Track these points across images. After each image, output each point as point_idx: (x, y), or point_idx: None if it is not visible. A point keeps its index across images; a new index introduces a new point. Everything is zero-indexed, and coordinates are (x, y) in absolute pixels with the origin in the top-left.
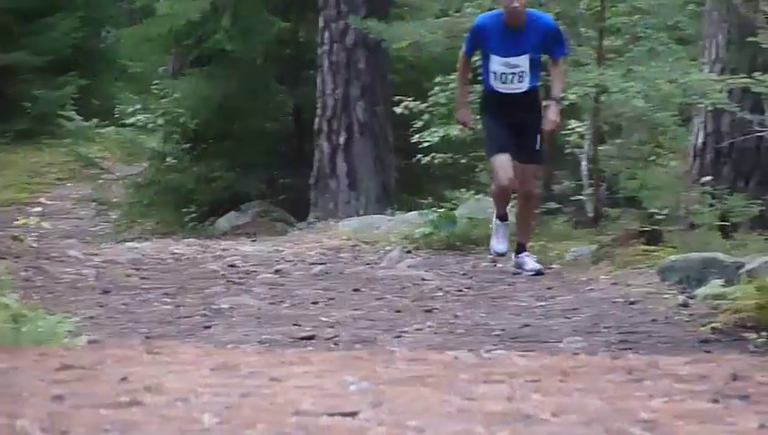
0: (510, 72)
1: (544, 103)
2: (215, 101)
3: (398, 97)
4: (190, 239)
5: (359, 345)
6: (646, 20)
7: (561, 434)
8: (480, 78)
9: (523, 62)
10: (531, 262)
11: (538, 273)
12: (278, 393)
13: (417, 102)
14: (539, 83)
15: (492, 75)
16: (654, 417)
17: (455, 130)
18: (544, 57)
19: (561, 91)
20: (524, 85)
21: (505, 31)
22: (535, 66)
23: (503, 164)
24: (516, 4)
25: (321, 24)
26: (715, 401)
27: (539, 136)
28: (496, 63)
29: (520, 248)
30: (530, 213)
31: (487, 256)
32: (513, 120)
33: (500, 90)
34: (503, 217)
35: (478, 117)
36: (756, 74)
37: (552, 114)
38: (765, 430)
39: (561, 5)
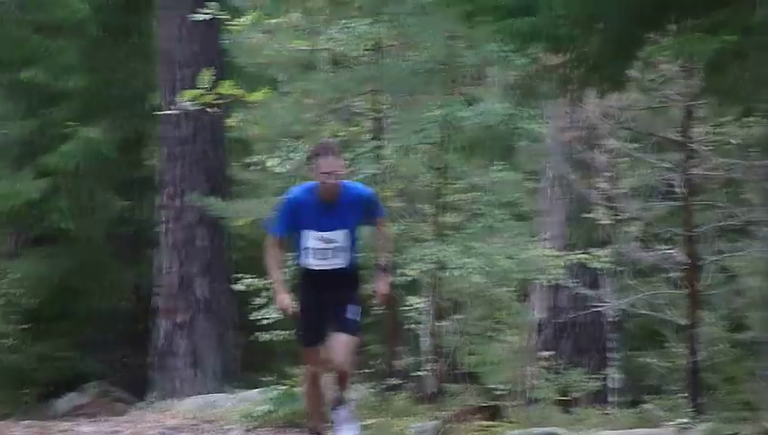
0: (326, 248)
1: (374, 274)
2: (54, 280)
3: (238, 274)
4: (28, 421)
5: None
6: (484, 196)
7: None
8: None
9: (339, 236)
10: (345, 431)
11: None
12: None
13: (258, 280)
14: (357, 256)
15: (307, 252)
16: None
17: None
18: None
19: (387, 257)
20: (341, 261)
21: (320, 204)
22: (353, 240)
23: (314, 354)
24: (332, 180)
25: (161, 201)
26: None
27: (356, 309)
28: (311, 239)
29: (338, 401)
30: (344, 384)
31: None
32: (329, 297)
33: (316, 267)
34: (314, 432)
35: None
36: (593, 250)
37: (381, 287)
38: None
39: (401, 182)
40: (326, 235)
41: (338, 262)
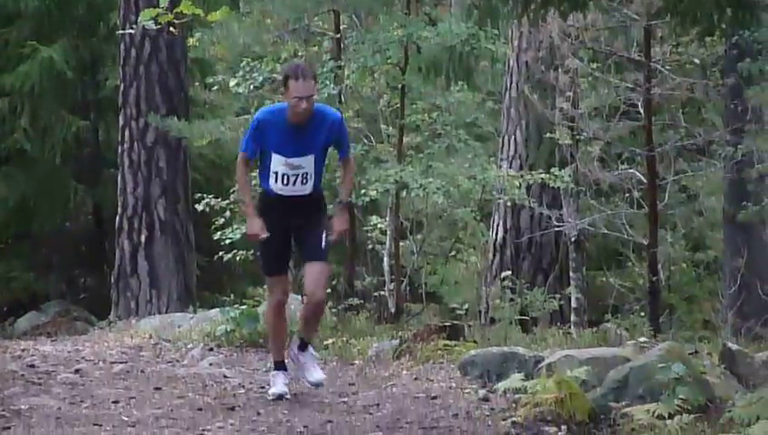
0: (293, 174)
1: (331, 207)
2: (12, 201)
3: (199, 195)
4: None
5: None
6: (444, 117)
7: None
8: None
9: (307, 162)
10: (315, 371)
11: (319, 385)
12: None
13: (218, 200)
14: (321, 182)
15: (272, 176)
16: None
17: None
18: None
19: (349, 193)
20: (308, 187)
21: (289, 128)
22: (320, 166)
23: (278, 281)
24: (305, 105)
25: (120, 122)
26: None
27: (324, 235)
28: (278, 164)
29: (304, 345)
30: (317, 318)
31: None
32: (295, 223)
33: (281, 192)
34: (280, 365)
35: None
36: (554, 170)
37: (339, 223)
38: None
39: (362, 103)
40: (293, 160)
41: (304, 188)
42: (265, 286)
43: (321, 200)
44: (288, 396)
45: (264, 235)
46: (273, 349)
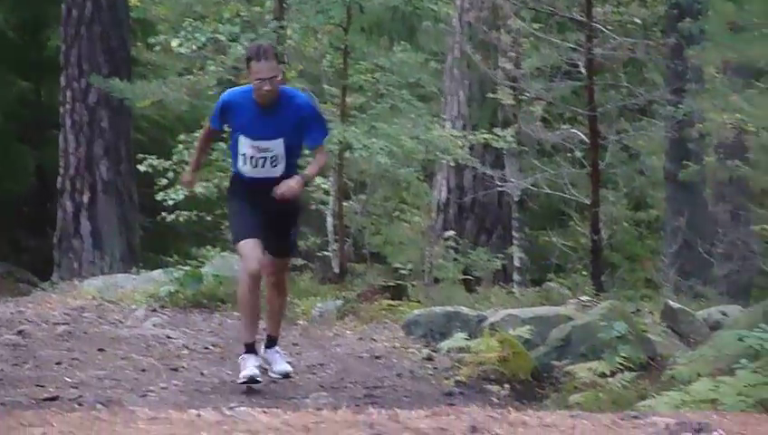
0: (260, 157)
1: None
2: None
3: (141, 155)
4: None
5: (100, 406)
6: (388, 77)
7: None
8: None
9: (275, 146)
10: (281, 362)
11: (286, 375)
12: None
13: (162, 160)
14: (295, 169)
15: (241, 158)
16: None
17: (199, 188)
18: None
19: (315, 174)
20: (278, 171)
21: (255, 110)
22: (292, 150)
23: (252, 248)
24: (268, 87)
25: (62, 83)
26: None
27: (295, 229)
28: (245, 145)
29: (270, 342)
30: (281, 303)
31: (234, 314)
32: (266, 209)
33: (250, 175)
34: (251, 347)
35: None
36: (496, 130)
37: (293, 181)
38: None
39: (305, 63)
40: (260, 143)
41: (274, 171)
42: (237, 257)
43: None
44: (260, 379)
45: (193, 186)
46: (244, 329)
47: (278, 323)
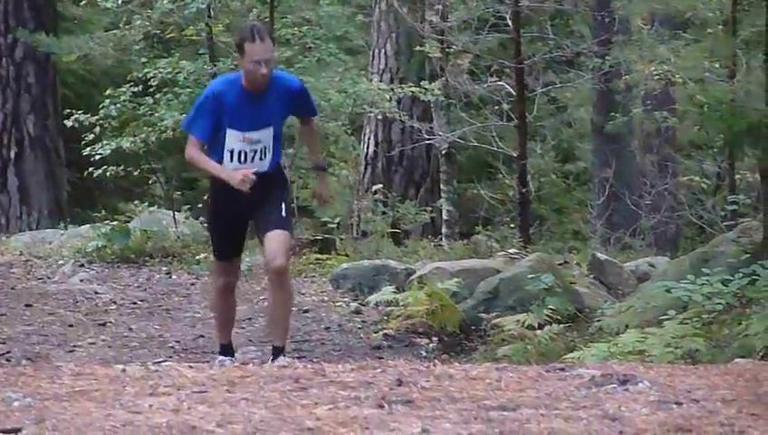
0: (250, 150)
1: (314, 174)
2: None
3: (68, 110)
4: None
5: (26, 361)
6: (315, 31)
7: None
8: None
9: (265, 135)
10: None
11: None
12: None
13: (88, 116)
14: (282, 158)
15: (227, 155)
16: (318, 425)
17: (126, 143)
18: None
19: (321, 154)
20: (266, 164)
21: (245, 99)
22: (278, 138)
23: (226, 268)
24: (265, 70)
25: None
26: (380, 406)
27: (284, 207)
28: (234, 140)
29: (277, 352)
30: (286, 306)
31: (162, 269)
32: (251, 203)
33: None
34: (227, 349)
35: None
36: (424, 83)
37: (323, 188)
38: (428, 434)
39: (231, 17)
40: (251, 134)
41: (263, 164)
42: (210, 269)
43: (282, 177)
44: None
45: (251, 173)
46: (218, 331)
47: (286, 331)
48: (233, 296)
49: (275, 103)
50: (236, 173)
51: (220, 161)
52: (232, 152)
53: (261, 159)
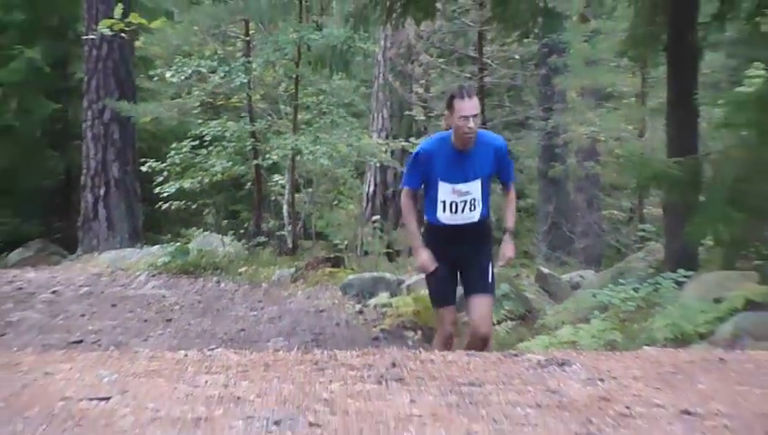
0: (461, 201)
1: (503, 237)
2: (3, 165)
3: (143, 159)
4: None
5: (113, 347)
6: (328, 99)
7: (261, 410)
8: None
9: (474, 188)
10: None
11: None
12: (49, 384)
13: (158, 163)
14: (489, 212)
15: (440, 205)
16: (332, 396)
17: (186, 184)
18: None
19: (514, 222)
20: (476, 214)
21: (453, 154)
22: (486, 192)
23: (447, 313)
24: (471, 125)
25: (84, 104)
26: (379, 383)
27: (490, 268)
28: (445, 192)
29: None
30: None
31: (213, 279)
32: (462, 254)
33: (449, 222)
34: None
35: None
36: (411, 139)
37: (508, 250)
38: (415, 403)
39: (266, 88)
40: (460, 186)
41: (472, 216)
42: (434, 315)
43: (489, 229)
44: None
45: (433, 267)
46: None
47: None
48: (452, 345)
49: (482, 158)
50: (423, 254)
51: (435, 213)
52: (444, 203)
53: (471, 210)
